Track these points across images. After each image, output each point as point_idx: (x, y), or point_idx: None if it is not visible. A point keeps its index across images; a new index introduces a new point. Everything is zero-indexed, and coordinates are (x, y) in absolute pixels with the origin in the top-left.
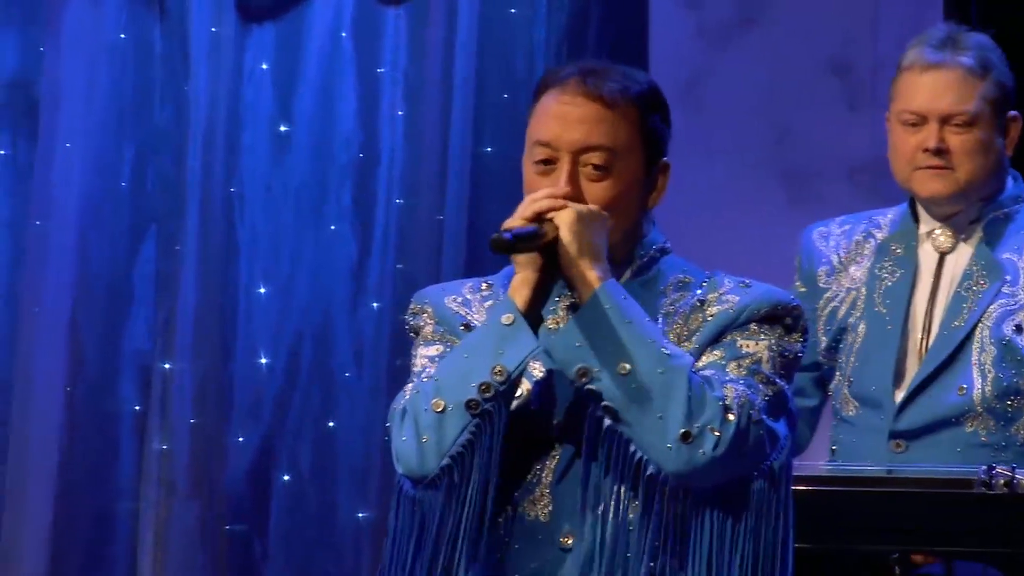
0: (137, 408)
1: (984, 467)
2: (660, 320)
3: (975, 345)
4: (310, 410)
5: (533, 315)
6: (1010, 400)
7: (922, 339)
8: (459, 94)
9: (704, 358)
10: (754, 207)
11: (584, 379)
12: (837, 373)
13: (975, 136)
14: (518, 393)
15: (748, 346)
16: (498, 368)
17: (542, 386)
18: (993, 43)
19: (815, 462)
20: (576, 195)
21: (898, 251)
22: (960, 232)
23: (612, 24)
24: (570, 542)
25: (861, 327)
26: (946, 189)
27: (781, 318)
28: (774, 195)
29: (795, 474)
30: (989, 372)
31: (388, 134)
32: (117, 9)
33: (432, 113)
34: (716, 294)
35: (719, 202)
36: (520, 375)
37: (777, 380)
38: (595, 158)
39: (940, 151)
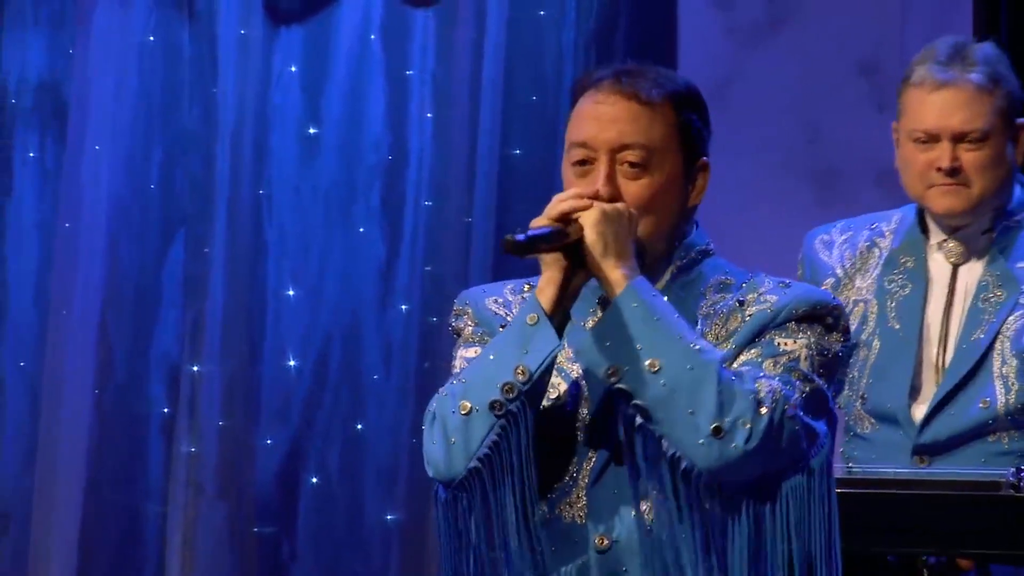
0: (166, 410)
1: (1013, 469)
2: (699, 321)
3: (996, 358)
4: (338, 412)
5: (560, 315)
6: None
7: (938, 353)
8: (487, 96)
9: (741, 357)
10: (782, 207)
11: (613, 378)
12: (847, 389)
13: (989, 151)
14: (555, 395)
15: (786, 344)
16: (521, 368)
17: (577, 387)
18: (999, 52)
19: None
20: (614, 194)
21: (907, 263)
22: (972, 243)
23: (641, 26)
24: (606, 543)
25: (875, 343)
26: (961, 205)
27: (821, 317)
28: (802, 195)
29: None
30: (1013, 384)
31: (416, 136)
32: (146, 11)
33: (460, 115)
34: (755, 294)
35: (747, 202)
36: (546, 375)
37: (815, 378)
38: (631, 156)
39: (955, 170)
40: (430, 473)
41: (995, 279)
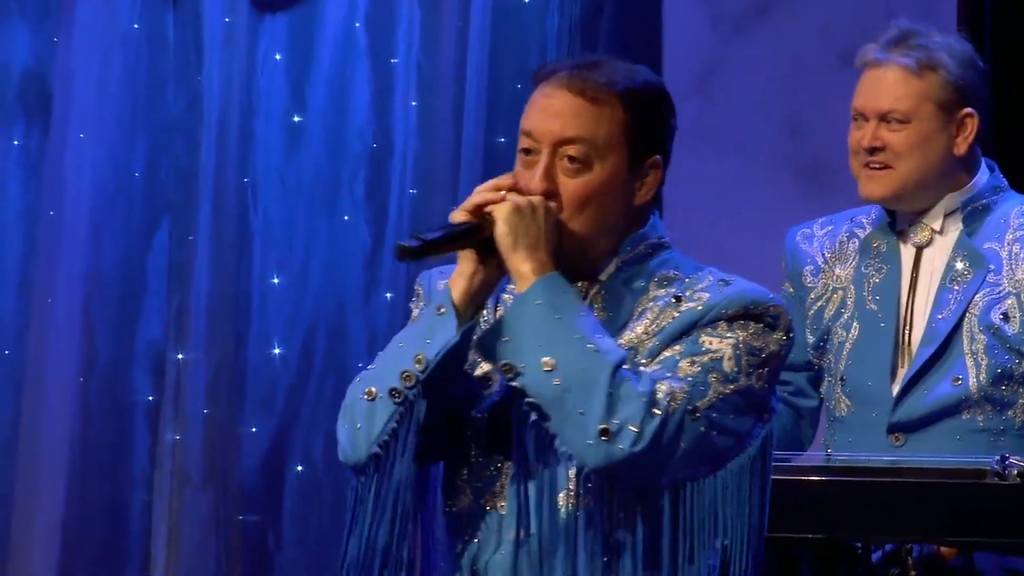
0: (150, 399)
1: (997, 457)
2: (636, 317)
3: (965, 335)
4: (324, 400)
5: (472, 307)
6: (1004, 385)
7: (904, 331)
8: (472, 84)
9: (664, 353)
10: (767, 199)
11: (509, 374)
12: (827, 375)
13: (912, 134)
14: (486, 386)
15: (711, 343)
16: (419, 356)
17: (504, 378)
18: (955, 42)
19: (819, 452)
20: (548, 188)
21: (881, 247)
22: (934, 225)
23: (625, 13)
24: (525, 535)
25: (854, 326)
26: (882, 190)
27: (756, 317)
28: (787, 188)
29: (807, 464)
30: (982, 360)
31: (402, 124)
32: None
33: (445, 103)
34: (692, 291)
35: (731, 194)
36: (444, 364)
37: (740, 378)
38: (571, 151)
39: (875, 148)
40: (340, 458)
41: (963, 259)
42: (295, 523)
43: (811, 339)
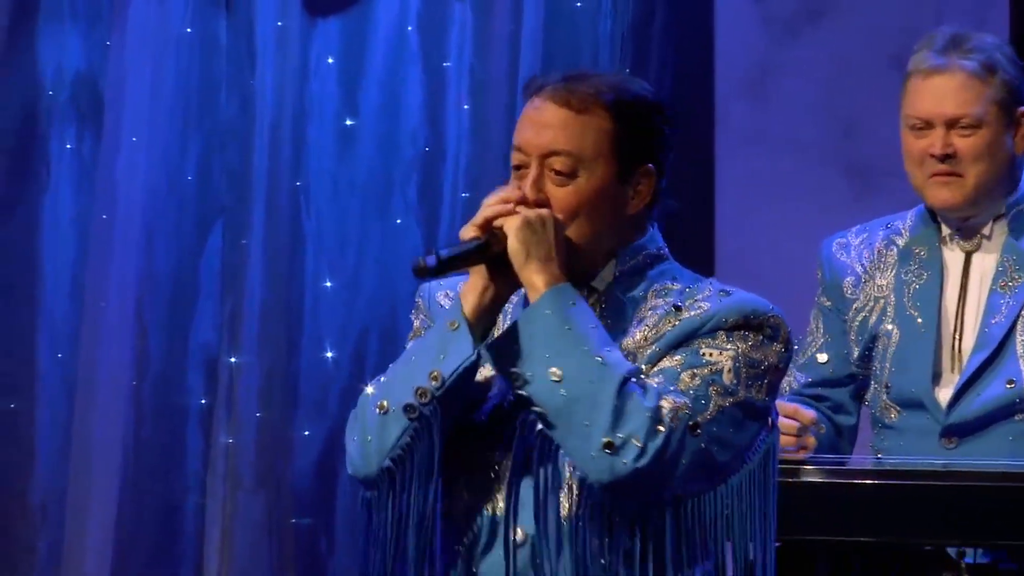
0: (203, 402)
1: None
2: (635, 324)
3: (1018, 338)
4: None
5: (485, 321)
6: None
7: (955, 337)
8: None
9: (663, 362)
10: (819, 200)
11: (517, 383)
12: (873, 383)
13: (983, 139)
14: (485, 389)
15: (711, 355)
16: (435, 373)
17: (505, 384)
18: (1000, 43)
19: (870, 456)
20: (540, 199)
21: (921, 254)
22: (983, 230)
23: (678, 17)
24: (523, 537)
25: (894, 332)
26: (956, 198)
27: (756, 327)
28: (839, 189)
29: (856, 468)
30: None
31: (454, 128)
32: (183, 3)
33: (497, 107)
34: (692, 300)
35: (783, 195)
36: (461, 380)
37: (740, 390)
38: (558, 163)
39: (947, 156)
40: (349, 471)
41: (1012, 264)
42: (347, 527)
43: (856, 350)
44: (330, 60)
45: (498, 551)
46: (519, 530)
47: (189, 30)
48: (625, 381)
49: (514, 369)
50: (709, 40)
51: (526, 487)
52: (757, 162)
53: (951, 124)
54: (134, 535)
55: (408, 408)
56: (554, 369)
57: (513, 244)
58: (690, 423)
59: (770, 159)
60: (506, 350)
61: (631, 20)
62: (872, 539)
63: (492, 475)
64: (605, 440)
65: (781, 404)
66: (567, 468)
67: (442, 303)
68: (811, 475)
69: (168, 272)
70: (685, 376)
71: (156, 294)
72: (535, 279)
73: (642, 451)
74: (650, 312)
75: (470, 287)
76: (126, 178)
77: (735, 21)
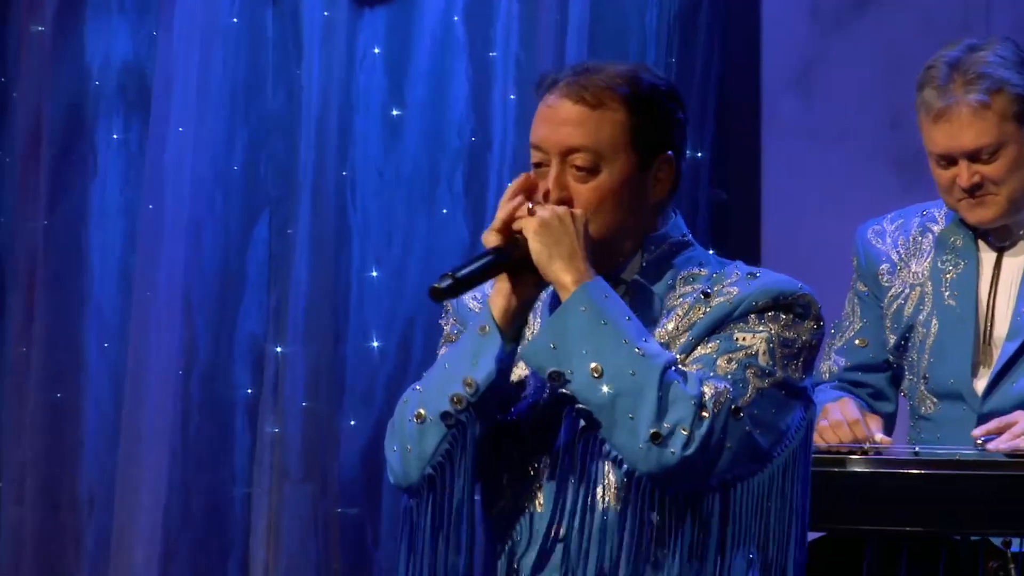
0: (249, 392)
1: None
2: (665, 314)
3: None
4: None
5: (516, 323)
6: None
7: (987, 325)
8: None
9: (698, 350)
10: (867, 192)
11: (556, 382)
12: (908, 374)
13: (1007, 159)
14: (521, 387)
15: (744, 339)
16: (468, 380)
17: (541, 382)
18: (1000, 49)
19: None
20: (563, 197)
21: (956, 243)
22: (1016, 229)
23: (724, 8)
24: (563, 533)
25: (933, 323)
26: (991, 214)
27: (786, 307)
28: (887, 181)
29: (903, 458)
30: None
31: (500, 118)
32: None
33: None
34: (720, 286)
35: (831, 187)
36: (495, 385)
37: (777, 371)
38: (578, 159)
39: (975, 186)
40: (391, 480)
41: None
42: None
43: (892, 338)
44: (376, 51)
45: (539, 548)
46: (560, 527)
47: (236, 21)
48: (665, 370)
49: (554, 368)
50: (756, 32)
51: (566, 483)
52: (805, 154)
53: (972, 157)
54: (181, 526)
55: (445, 416)
56: (594, 364)
57: (534, 246)
58: (732, 407)
59: (818, 151)
60: (543, 351)
61: (677, 10)
62: (919, 528)
63: (531, 473)
64: (652, 431)
65: (842, 408)
66: (606, 462)
67: (471, 307)
68: (858, 465)
69: (215, 263)
70: (721, 362)
71: (203, 285)
72: (563, 277)
73: (689, 439)
74: (680, 300)
75: (497, 291)
76: (173, 169)
77: (782, 13)
